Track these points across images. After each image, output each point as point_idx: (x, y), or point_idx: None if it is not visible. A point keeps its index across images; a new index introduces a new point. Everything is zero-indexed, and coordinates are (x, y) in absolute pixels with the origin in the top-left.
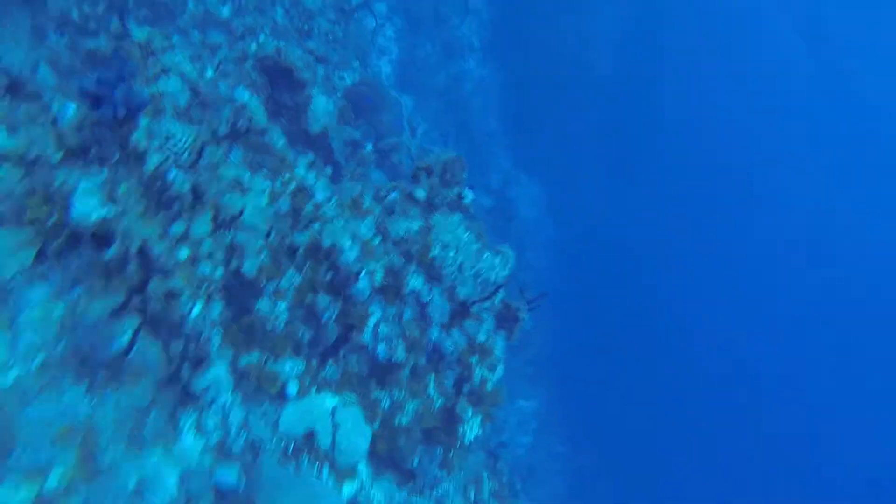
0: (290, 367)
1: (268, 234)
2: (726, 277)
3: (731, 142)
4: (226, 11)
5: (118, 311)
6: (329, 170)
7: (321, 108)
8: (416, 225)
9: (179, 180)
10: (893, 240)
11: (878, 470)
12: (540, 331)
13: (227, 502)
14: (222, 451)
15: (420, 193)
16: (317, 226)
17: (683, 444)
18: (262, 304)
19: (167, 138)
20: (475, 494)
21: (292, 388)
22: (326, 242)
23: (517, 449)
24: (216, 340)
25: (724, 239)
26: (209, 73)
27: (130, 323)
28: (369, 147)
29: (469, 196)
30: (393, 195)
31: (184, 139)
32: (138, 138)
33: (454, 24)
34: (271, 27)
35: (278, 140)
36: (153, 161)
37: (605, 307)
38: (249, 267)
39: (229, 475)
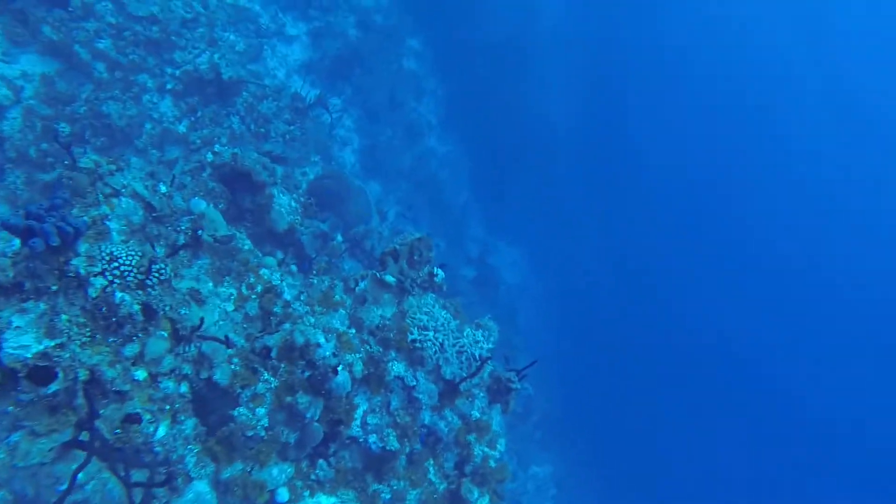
0: (277, 473)
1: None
2: (717, 302)
3: (697, 169)
4: (182, 127)
5: (65, 450)
6: (294, 267)
7: (284, 205)
8: (389, 311)
9: (127, 301)
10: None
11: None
12: (543, 394)
13: None
14: None
15: (389, 279)
16: (288, 325)
17: (699, 475)
18: (240, 412)
19: (110, 261)
20: None
21: (283, 496)
22: (299, 340)
23: None
24: (191, 458)
25: (710, 262)
26: (162, 189)
27: (80, 461)
28: (339, 238)
29: (440, 274)
30: (362, 284)
31: (129, 259)
32: (78, 265)
33: (411, 106)
34: (228, 135)
35: (243, 244)
36: (97, 286)
37: (602, 357)
38: (221, 376)
39: None
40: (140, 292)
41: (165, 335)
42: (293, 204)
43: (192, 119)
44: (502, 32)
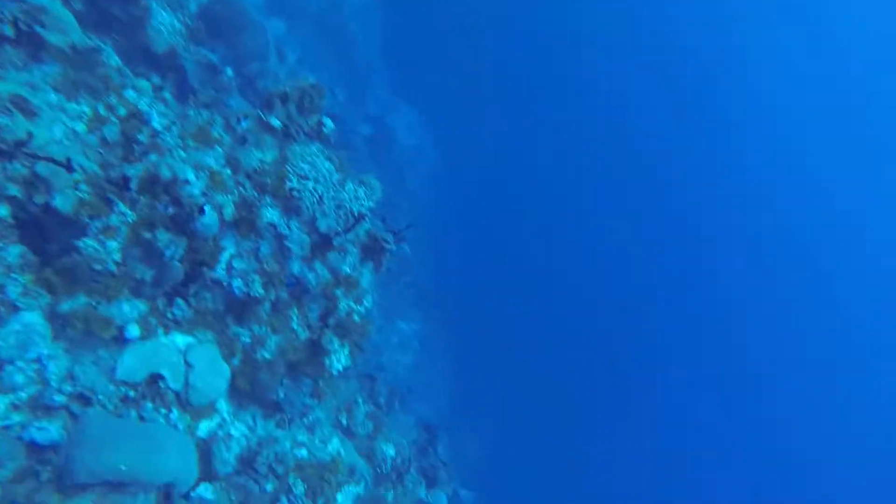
0: (128, 310)
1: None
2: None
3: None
4: None
5: None
6: (168, 95)
7: (165, 24)
8: (270, 155)
9: None
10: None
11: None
12: (420, 257)
13: (46, 459)
14: (38, 406)
15: (275, 122)
16: (154, 156)
17: (557, 358)
18: (87, 244)
19: None
20: (348, 419)
21: (133, 331)
22: (165, 174)
23: (398, 369)
24: (15, 287)
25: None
26: None
27: None
28: (229, 72)
29: (329, 125)
30: (244, 123)
31: None
32: None
33: None
34: None
35: (109, 58)
36: None
37: (485, 233)
38: (63, 202)
39: (47, 431)
40: None
41: None
42: (177, 24)
43: None
44: None
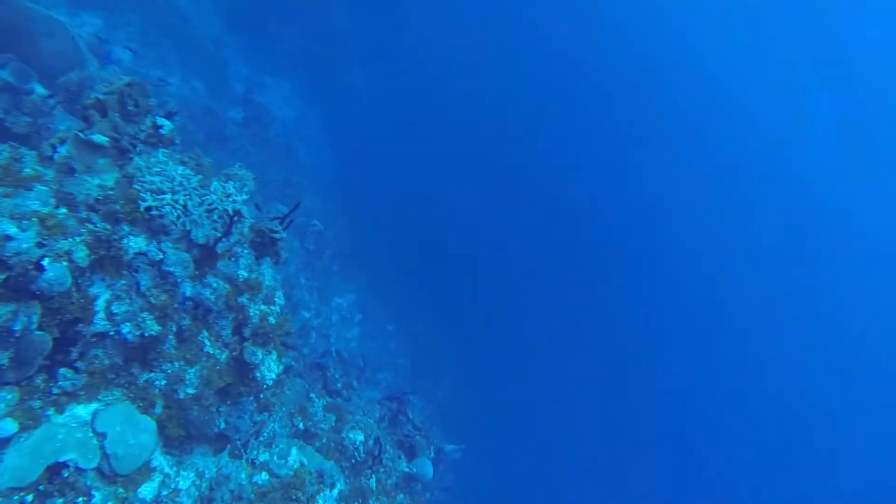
0: None
1: None
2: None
3: None
4: None
5: None
6: None
7: None
8: (110, 178)
9: None
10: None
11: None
12: (333, 227)
13: None
14: None
15: (98, 138)
16: None
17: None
18: None
19: None
20: (304, 421)
21: (7, 427)
22: None
23: (349, 344)
24: None
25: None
26: None
27: None
28: (38, 89)
29: (166, 125)
30: (63, 150)
31: None
32: None
33: None
34: None
35: None
36: None
37: (388, 182)
38: None
39: None
40: None
41: None
42: None
43: None
44: None
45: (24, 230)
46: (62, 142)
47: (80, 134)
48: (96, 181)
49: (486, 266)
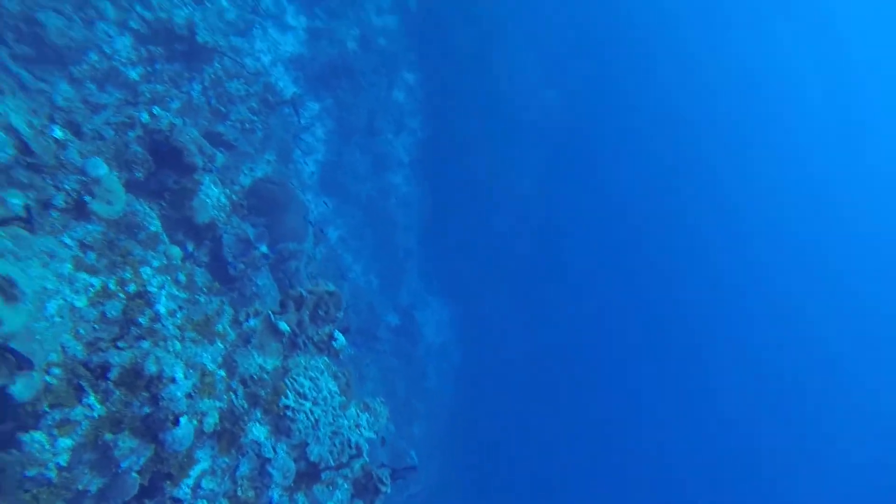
0: None
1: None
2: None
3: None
4: (135, 74)
5: None
6: (197, 264)
7: (212, 197)
8: (271, 363)
9: None
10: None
11: None
12: (427, 465)
13: None
14: None
15: (283, 326)
16: (146, 343)
17: None
18: (33, 439)
19: None
20: None
21: None
22: (150, 368)
23: None
24: None
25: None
26: (56, 133)
27: None
28: (263, 248)
29: (341, 339)
30: (252, 322)
31: None
32: None
33: (387, 137)
34: (184, 102)
35: (150, 223)
36: None
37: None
38: (22, 390)
39: None
40: None
41: None
42: (222, 199)
43: (149, 70)
44: (496, 95)
45: (186, 378)
46: (256, 314)
47: (272, 316)
48: (260, 360)
49: None
